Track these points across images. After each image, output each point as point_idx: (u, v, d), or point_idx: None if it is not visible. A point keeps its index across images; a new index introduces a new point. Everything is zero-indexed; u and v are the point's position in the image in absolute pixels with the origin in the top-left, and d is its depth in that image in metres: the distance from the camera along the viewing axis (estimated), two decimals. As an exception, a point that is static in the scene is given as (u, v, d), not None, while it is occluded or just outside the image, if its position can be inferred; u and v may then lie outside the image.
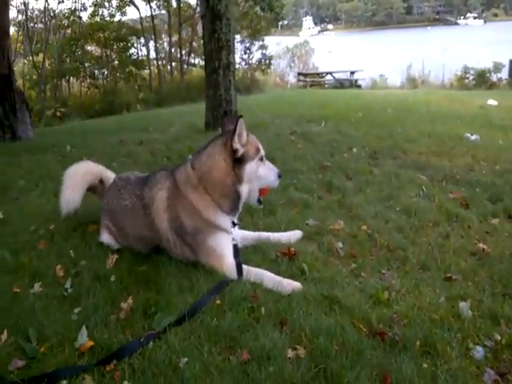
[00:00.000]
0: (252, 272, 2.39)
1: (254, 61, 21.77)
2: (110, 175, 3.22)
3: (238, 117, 2.38)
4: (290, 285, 2.27)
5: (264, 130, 6.67)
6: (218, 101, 7.45)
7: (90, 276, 2.45)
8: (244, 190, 2.45)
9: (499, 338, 1.91)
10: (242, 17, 20.07)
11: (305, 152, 5.20)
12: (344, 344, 1.85)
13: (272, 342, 1.86)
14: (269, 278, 2.33)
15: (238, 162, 2.37)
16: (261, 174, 2.47)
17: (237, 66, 20.38)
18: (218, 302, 2.17)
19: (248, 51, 21.71)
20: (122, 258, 2.65)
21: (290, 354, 1.83)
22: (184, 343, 1.88)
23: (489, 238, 2.89)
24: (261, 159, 2.47)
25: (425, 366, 1.75)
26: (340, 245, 2.83)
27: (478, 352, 1.83)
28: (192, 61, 22.26)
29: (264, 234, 2.85)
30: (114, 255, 2.65)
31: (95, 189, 3.22)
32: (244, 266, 2.41)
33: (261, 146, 2.49)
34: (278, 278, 2.32)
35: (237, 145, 2.35)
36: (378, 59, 18.32)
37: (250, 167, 2.40)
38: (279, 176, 2.55)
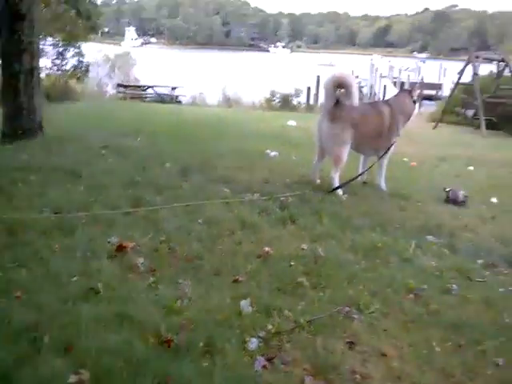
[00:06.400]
0: None
1: (68, 67, 20.09)
2: None
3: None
4: None
5: (72, 143, 6.22)
6: (19, 109, 6.66)
7: None
8: None
9: (271, 327, 2.22)
10: (54, 19, 18.37)
11: (115, 167, 5.06)
12: (130, 358, 1.88)
13: (52, 371, 1.76)
14: None
15: None
16: None
17: (48, 72, 18.52)
18: (-8, 337, 1.95)
19: (61, 56, 19.95)
20: None
21: (73, 378, 1.76)
22: None
23: (274, 242, 3.31)
24: None
25: (205, 364, 1.90)
26: (141, 260, 2.85)
27: (252, 343, 2.08)
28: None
29: None
30: None
31: None
32: None
33: None
34: None
35: None
36: (199, 77, 19.12)
37: None
38: None
